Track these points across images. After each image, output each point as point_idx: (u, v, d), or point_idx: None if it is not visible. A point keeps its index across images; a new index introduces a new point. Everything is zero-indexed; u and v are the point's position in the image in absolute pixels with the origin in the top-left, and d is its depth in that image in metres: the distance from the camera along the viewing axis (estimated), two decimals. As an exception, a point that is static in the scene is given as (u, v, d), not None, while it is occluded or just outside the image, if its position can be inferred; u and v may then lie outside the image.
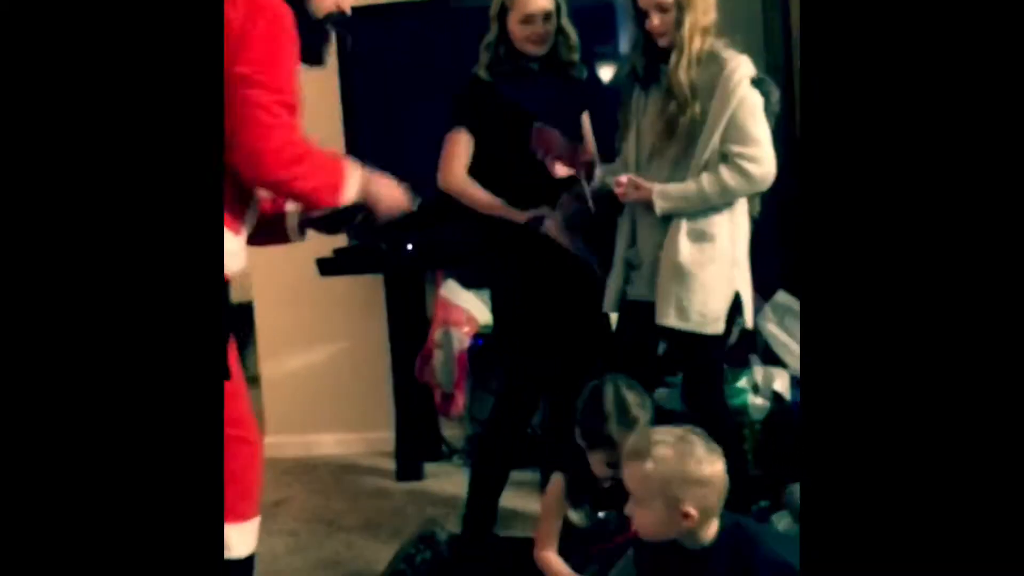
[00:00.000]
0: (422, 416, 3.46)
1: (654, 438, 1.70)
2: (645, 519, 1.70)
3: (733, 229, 2.29)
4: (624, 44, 2.83)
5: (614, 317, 2.56)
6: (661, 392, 2.75)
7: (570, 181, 2.45)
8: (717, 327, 2.26)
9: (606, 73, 3.11)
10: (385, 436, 3.52)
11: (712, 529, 1.70)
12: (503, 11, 2.49)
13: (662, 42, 2.25)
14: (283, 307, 3.69)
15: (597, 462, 2.05)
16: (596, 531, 2.11)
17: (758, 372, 2.91)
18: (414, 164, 3.32)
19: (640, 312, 2.35)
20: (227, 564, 1.84)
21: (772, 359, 2.93)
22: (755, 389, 2.89)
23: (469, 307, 3.27)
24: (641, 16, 2.26)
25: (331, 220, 1.95)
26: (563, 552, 2.14)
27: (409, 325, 3.39)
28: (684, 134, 2.22)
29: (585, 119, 2.68)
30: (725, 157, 2.21)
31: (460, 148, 2.54)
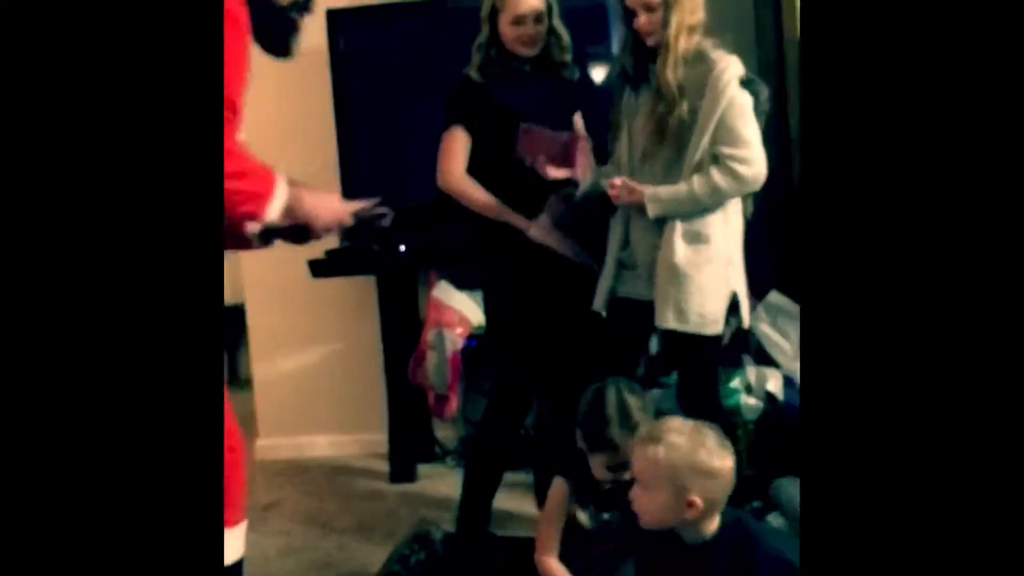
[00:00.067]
0: (415, 418, 3.45)
1: (669, 425, 1.73)
2: (649, 504, 1.71)
3: (727, 229, 2.29)
4: (616, 45, 2.83)
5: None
6: (655, 392, 2.75)
7: (563, 181, 2.45)
8: (716, 328, 2.26)
9: (598, 74, 3.11)
10: (378, 438, 3.51)
11: (714, 524, 1.71)
12: (494, 12, 2.49)
13: (650, 41, 2.25)
14: (275, 309, 3.69)
15: (598, 465, 2.05)
16: (599, 533, 2.11)
17: (751, 372, 2.92)
18: (408, 165, 3.35)
19: (631, 310, 2.35)
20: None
21: (765, 359, 2.94)
22: (748, 389, 2.90)
23: (462, 308, 3.26)
24: (629, 16, 2.26)
25: (294, 231, 1.87)
26: (565, 554, 2.14)
27: (402, 326, 3.39)
28: (674, 135, 2.22)
29: (578, 120, 2.68)
30: (716, 158, 2.21)
31: (458, 146, 2.54)
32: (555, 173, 2.40)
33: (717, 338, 2.30)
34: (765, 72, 3.07)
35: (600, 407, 2.04)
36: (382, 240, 3.24)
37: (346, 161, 3.36)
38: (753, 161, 2.21)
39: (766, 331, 2.92)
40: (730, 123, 2.20)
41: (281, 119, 3.56)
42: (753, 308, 2.95)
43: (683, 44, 2.20)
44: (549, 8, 2.50)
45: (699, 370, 2.35)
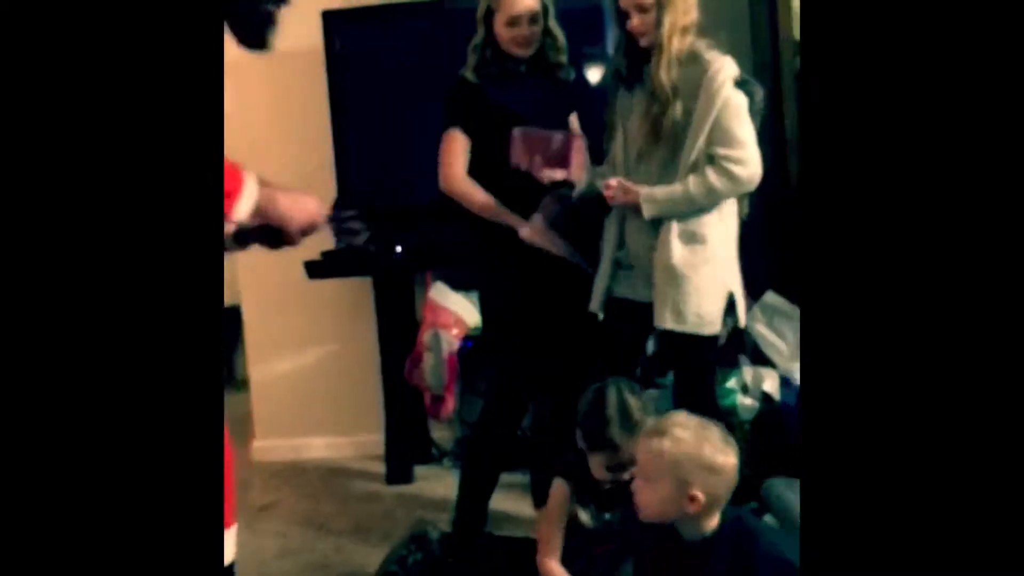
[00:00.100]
0: (412, 419, 3.45)
1: (675, 420, 1.74)
2: (651, 496, 1.71)
3: (723, 230, 2.30)
4: (612, 46, 2.83)
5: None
6: (651, 393, 2.75)
7: (560, 181, 2.45)
8: (713, 328, 2.27)
9: (594, 75, 3.12)
10: (375, 439, 3.51)
11: (714, 521, 1.72)
12: (489, 13, 2.49)
13: (644, 42, 2.25)
14: (271, 310, 3.69)
15: (597, 465, 2.06)
16: (600, 532, 2.12)
17: (747, 373, 2.92)
18: (404, 166, 3.35)
19: (628, 311, 2.35)
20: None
21: (761, 360, 2.94)
22: (744, 390, 2.90)
23: (458, 309, 3.26)
24: (623, 17, 2.26)
25: (268, 234, 1.82)
26: (566, 554, 2.14)
27: (398, 328, 3.39)
28: (669, 135, 2.23)
29: (573, 120, 2.68)
30: (711, 159, 2.21)
31: (457, 147, 2.53)
32: (551, 175, 2.40)
33: (714, 338, 2.30)
34: (760, 72, 3.08)
35: (600, 407, 2.04)
36: (378, 242, 3.24)
37: (342, 162, 3.36)
38: (748, 162, 2.21)
39: (762, 331, 2.92)
40: (725, 124, 2.20)
41: (277, 120, 3.56)
42: (749, 308, 2.96)
43: (676, 45, 2.20)
44: (545, 9, 2.50)
45: (696, 370, 2.36)
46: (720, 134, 2.21)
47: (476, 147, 2.54)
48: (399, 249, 3.21)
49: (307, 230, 1.73)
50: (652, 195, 2.22)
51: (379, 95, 3.34)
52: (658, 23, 2.20)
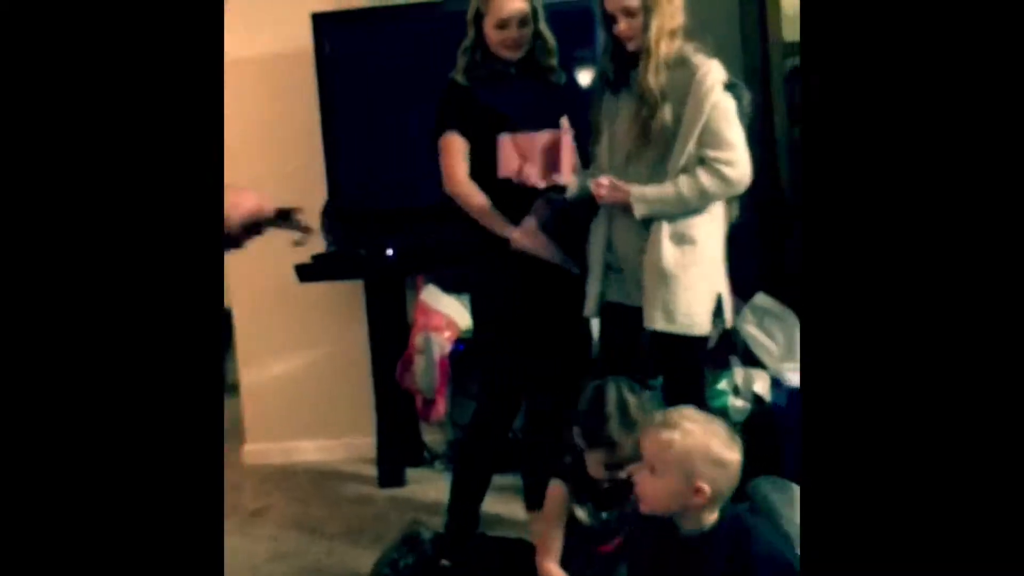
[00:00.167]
0: (403, 422, 3.45)
1: (684, 413, 1.77)
2: (656, 488, 1.73)
3: (712, 231, 2.31)
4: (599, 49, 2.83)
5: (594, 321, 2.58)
6: (645, 394, 2.76)
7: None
8: (703, 328, 2.28)
9: (585, 77, 3.12)
10: (366, 442, 3.52)
11: (713, 517, 1.74)
12: (479, 16, 2.49)
13: (631, 46, 2.26)
14: (262, 314, 3.68)
15: (595, 462, 2.06)
16: (598, 532, 2.12)
17: (738, 374, 2.93)
18: (394, 168, 3.35)
19: (621, 315, 2.36)
20: None
21: (751, 361, 2.95)
22: (735, 391, 2.91)
23: (450, 312, 3.27)
24: (609, 21, 2.27)
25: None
26: (564, 554, 2.14)
27: (390, 331, 3.39)
28: (659, 138, 2.23)
29: (564, 123, 2.68)
30: (702, 161, 2.22)
31: (457, 149, 2.52)
32: (544, 182, 2.39)
33: (703, 339, 2.31)
34: (750, 75, 3.09)
35: (600, 405, 2.05)
36: (370, 244, 3.24)
37: (332, 165, 3.36)
38: (739, 163, 2.22)
39: (753, 333, 2.93)
40: (715, 127, 2.21)
41: (267, 123, 3.56)
42: (739, 310, 2.97)
43: (664, 49, 2.21)
44: (534, 12, 2.50)
45: (686, 371, 2.37)
46: (710, 137, 2.21)
47: (469, 150, 2.54)
48: (390, 252, 3.21)
49: (250, 228, 1.65)
50: (643, 194, 2.22)
51: (369, 97, 3.34)
52: (645, 27, 2.21)
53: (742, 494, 2.57)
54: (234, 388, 3.80)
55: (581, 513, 2.11)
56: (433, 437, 3.58)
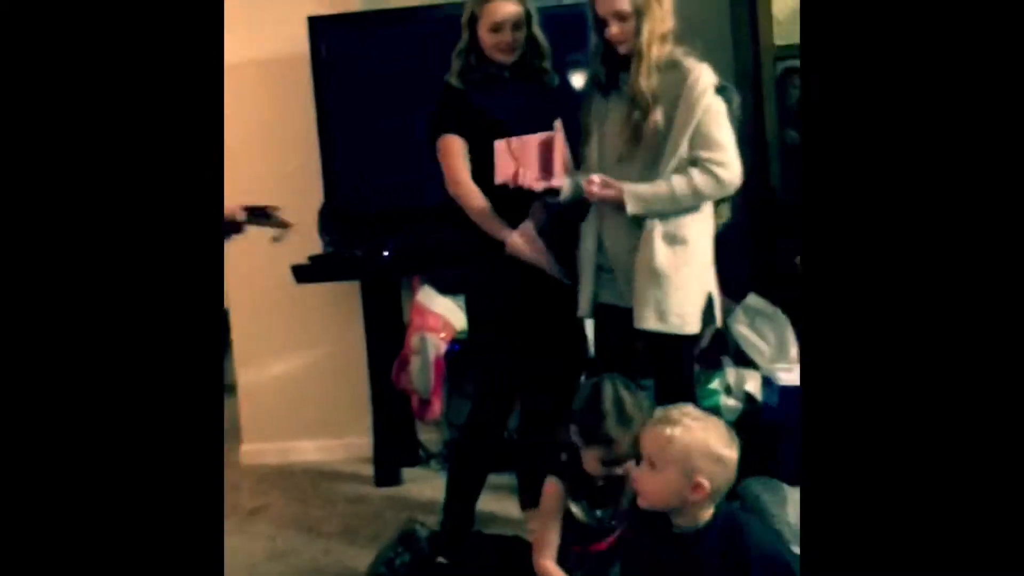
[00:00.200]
0: (399, 422, 3.47)
1: (684, 410, 1.80)
2: (656, 483, 1.76)
3: (703, 231, 2.34)
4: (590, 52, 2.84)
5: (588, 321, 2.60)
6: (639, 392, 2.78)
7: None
8: (694, 327, 2.31)
9: (578, 80, 3.14)
10: (363, 442, 3.53)
11: (707, 514, 1.77)
12: (473, 19, 2.51)
13: (622, 50, 2.29)
14: (259, 314, 3.69)
15: (592, 459, 2.08)
16: (593, 529, 2.14)
17: (730, 374, 2.96)
18: (390, 171, 3.37)
19: (615, 317, 2.38)
20: None
21: (743, 361, 2.97)
22: (727, 391, 2.94)
23: (445, 313, 3.28)
24: (600, 24, 2.29)
25: None
26: (560, 552, 2.16)
27: (386, 331, 3.40)
28: (650, 140, 2.26)
29: (558, 125, 2.70)
30: (694, 162, 2.25)
31: (457, 149, 2.53)
32: (541, 184, 2.40)
33: (694, 338, 2.34)
34: (741, 78, 3.11)
35: (596, 402, 2.07)
36: (366, 245, 3.26)
37: (328, 167, 3.37)
38: (730, 165, 2.26)
39: (744, 333, 2.96)
40: (706, 129, 2.25)
41: (264, 125, 3.58)
42: (731, 311, 3.00)
43: (655, 52, 2.24)
44: (528, 15, 2.52)
45: (677, 370, 2.39)
46: (702, 139, 2.25)
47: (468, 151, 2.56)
48: (386, 253, 3.23)
49: (227, 227, 1.66)
50: (637, 192, 2.25)
51: (365, 100, 3.35)
52: (637, 31, 2.24)
53: (732, 494, 2.60)
54: (231, 388, 3.81)
55: (577, 510, 2.13)
56: (429, 437, 3.60)
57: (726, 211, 3.01)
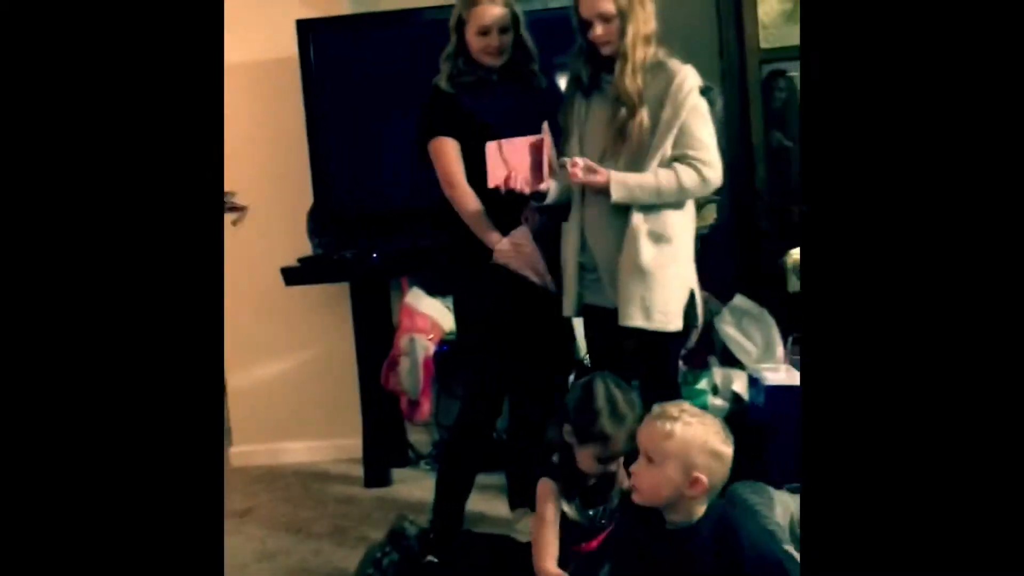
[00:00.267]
0: (389, 423, 3.48)
1: (682, 406, 1.82)
2: (653, 478, 1.77)
3: (686, 230, 2.37)
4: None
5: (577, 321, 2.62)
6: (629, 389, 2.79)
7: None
8: (678, 324, 2.33)
9: (566, 82, 3.16)
10: (353, 443, 3.54)
11: (701, 510, 1.78)
12: (460, 23, 2.52)
13: (605, 51, 2.31)
14: (248, 316, 3.70)
15: (587, 458, 2.10)
16: (586, 528, 2.16)
17: (717, 374, 2.98)
18: (379, 173, 3.38)
19: (601, 317, 2.41)
20: None
21: (730, 361, 3.00)
22: (715, 390, 2.96)
23: (434, 314, 3.30)
24: (584, 26, 2.31)
25: None
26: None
27: (375, 333, 3.42)
28: (636, 139, 2.28)
29: (545, 128, 2.71)
30: (679, 160, 2.27)
31: (452, 152, 2.53)
32: (531, 188, 2.41)
33: (678, 335, 2.36)
34: (727, 81, 3.14)
35: (589, 400, 2.08)
36: (354, 247, 3.28)
37: (318, 170, 3.38)
38: (715, 164, 2.29)
39: (731, 333, 2.98)
40: (692, 129, 2.28)
41: (253, 129, 3.58)
42: (718, 311, 3.02)
43: (640, 53, 2.27)
44: (515, 18, 2.53)
45: (662, 368, 2.41)
46: (688, 139, 2.27)
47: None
48: (375, 255, 3.24)
49: None
50: (624, 179, 2.26)
51: (354, 103, 3.36)
52: (621, 33, 2.26)
53: (721, 496, 2.62)
54: (221, 390, 3.82)
55: (569, 510, 2.15)
56: (418, 437, 3.62)
57: (712, 212, 3.05)
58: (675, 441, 1.75)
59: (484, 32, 2.49)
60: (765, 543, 1.77)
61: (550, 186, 2.39)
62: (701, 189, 2.31)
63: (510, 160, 2.39)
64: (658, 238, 2.30)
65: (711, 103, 2.33)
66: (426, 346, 3.24)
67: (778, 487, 2.42)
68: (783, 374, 2.79)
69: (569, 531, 2.15)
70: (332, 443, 3.73)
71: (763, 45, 3.05)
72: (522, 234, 2.49)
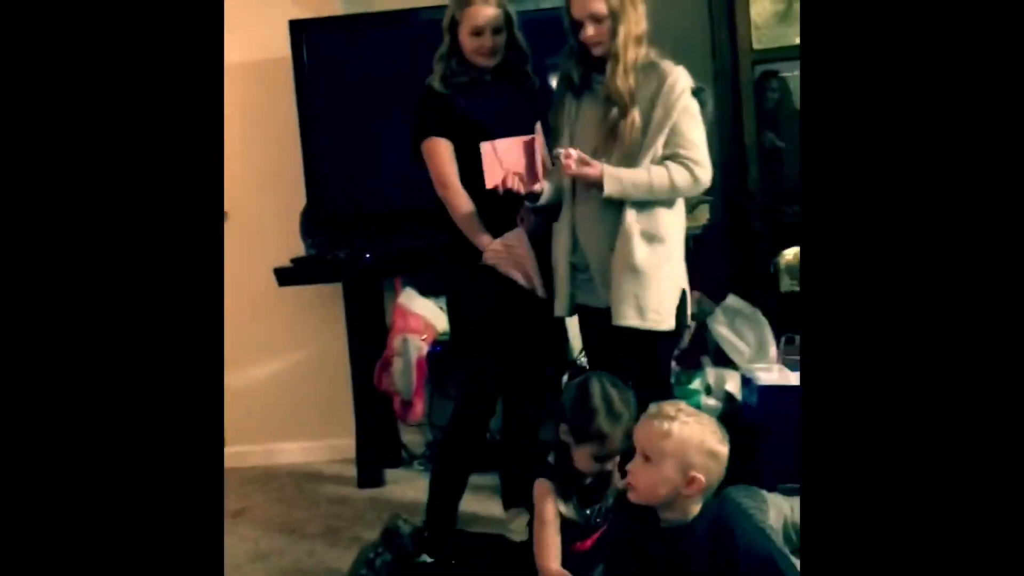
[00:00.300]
0: (382, 423, 3.48)
1: (679, 406, 1.82)
2: (651, 477, 1.77)
3: (677, 228, 2.39)
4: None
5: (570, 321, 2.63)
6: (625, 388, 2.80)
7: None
8: (670, 323, 2.34)
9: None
10: (346, 443, 3.54)
11: (696, 508, 1.79)
12: (454, 23, 2.52)
13: (597, 51, 2.32)
14: (242, 316, 3.69)
15: (583, 456, 2.11)
16: (582, 527, 2.16)
17: (710, 374, 2.99)
18: (372, 174, 3.39)
19: (593, 317, 2.42)
20: None
21: (723, 361, 3.01)
22: (708, 390, 2.97)
23: (427, 314, 3.30)
24: (575, 27, 2.32)
25: None
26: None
27: (368, 333, 3.42)
28: (626, 139, 2.29)
29: (538, 128, 2.71)
30: (671, 159, 2.28)
31: (445, 153, 2.53)
32: (527, 188, 2.42)
33: (671, 335, 2.37)
34: (719, 81, 3.15)
35: (585, 399, 2.10)
36: (348, 247, 3.27)
37: (311, 170, 3.38)
38: (706, 164, 2.31)
39: (724, 333, 2.99)
40: (684, 129, 2.29)
41: (246, 129, 3.58)
42: (711, 311, 3.03)
43: (632, 54, 2.28)
44: (508, 19, 2.53)
45: (655, 367, 2.42)
46: (679, 138, 2.29)
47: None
48: (368, 255, 3.24)
49: None
50: (617, 174, 2.27)
51: (347, 103, 3.36)
52: (613, 33, 2.27)
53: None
54: (214, 391, 3.80)
55: (566, 509, 2.15)
56: (411, 438, 3.62)
57: (705, 213, 3.06)
58: (673, 440, 1.75)
59: (477, 33, 2.49)
60: (760, 542, 1.77)
61: (544, 186, 2.39)
62: (692, 188, 2.32)
63: (505, 160, 2.39)
64: (651, 237, 2.31)
65: (703, 104, 2.33)
66: (419, 346, 3.24)
67: (771, 487, 2.43)
68: (776, 374, 2.80)
69: (567, 531, 2.15)
70: (325, 443, 3.73)
71: (756, 46, 3.06)
72: (516, 236, 2.49)
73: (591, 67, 2.36)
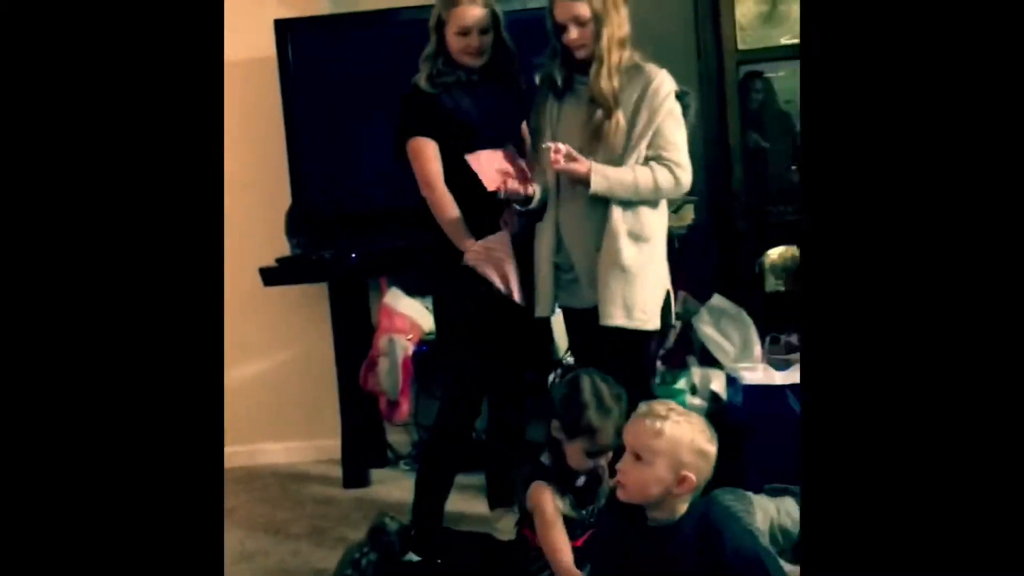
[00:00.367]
0: (368, 423, 3.48)
1: (669, 405, 1.83)
2: (641, 476, 1.78)
3: (662, 228, 2.41)
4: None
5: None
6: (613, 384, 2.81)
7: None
8: (656, 323, 2.36)
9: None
10: (332, 443, 3.53)
11: (683, 507, 1.80)
12: (440, 23, 2.52)
13: (580, 54, 2.33)
14: (227, 317, 3.66)
15: (576, 452, 2.12)
16: (577, 525, 2.17)
17: (696, 373, 2.99)
18: (357, 174, 3.38)
19: (577, 317, 2.43)
20: None
21: (709, 360, 3.02)
22: (693, 390, 2.98)
23: (413, 314, 3.29)
24: (558, 29, 2.33)
25: None
26: (535, 551, 2.18)
27: (354, 333, 3.41)
28: (610, 140, 2.31)
29: (524, 129, 2.72)
30: (654, 160, 2.30)
31: (431, 153, 2.52)
32: (526, 190, 2.41)
33: (656, 334, 2.39)
34: (704, 82, 3.16)
35: (576, 394, 2.11)
36: (333, 247, 3.27)
37: (296, 170, 3.38)
38: (687, 167, 2.34)
39: (709, 333, 3.00)
40: (667, 132, 2.32)
41: (230, 129, 3.54)
42: (696, 311, 3.04)
43: (615, 56, 2.29)
44: (495, 18, 2.53)
45: (639, 366, 2.43)
46: (662, 141, 2.31)
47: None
48: (354, 255, 3.24)
49: None
50: (604, 171, 2.28)
51: (332, 103, 3.36)
52: (596, 36, 2.28)
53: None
54: (198, 391, 3.79)
55: (563, 507, 2.16)
56: (397, 438, 3.61)
57: (690, 213, 3.07)
58: (664, 439, 1.76)
59: (464, 32, 2.49)
60: (748, 544, 1.78)
61: (537, 190, 2.40)
62: (673, 190, 2.34)
63: (499, 164, 2.41)
64: (637, 237, 2.32)
65: (686, 108, 2.36)
66: (405, 346, 3.24)
67: (757, 486, 2.44)
68: (760, 373, 2.81)
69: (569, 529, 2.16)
70: (311, 444, 3.72)
71: (740, 46, 3.07)
72: (498, 239, 2.49)
73: (574, 69, 2.37)
